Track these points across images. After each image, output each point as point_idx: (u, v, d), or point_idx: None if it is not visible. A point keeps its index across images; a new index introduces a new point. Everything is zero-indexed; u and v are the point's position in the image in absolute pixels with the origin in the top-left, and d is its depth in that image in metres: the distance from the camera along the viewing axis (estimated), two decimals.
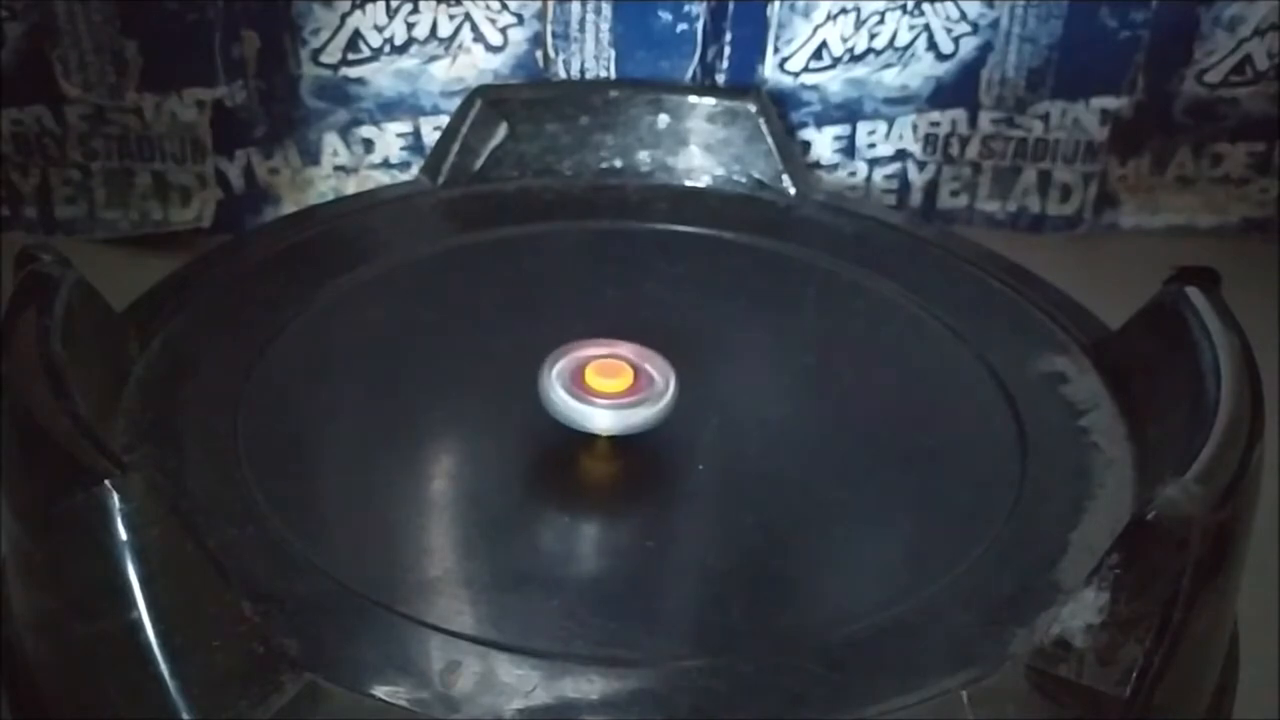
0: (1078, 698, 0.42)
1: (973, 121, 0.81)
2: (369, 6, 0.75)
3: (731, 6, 0.76)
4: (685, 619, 0.47)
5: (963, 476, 0.54)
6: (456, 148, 0.71)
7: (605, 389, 0.52)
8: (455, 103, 0.75)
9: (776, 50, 0.78)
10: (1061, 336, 0.61)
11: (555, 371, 0.52)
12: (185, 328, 0.58)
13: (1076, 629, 0.42)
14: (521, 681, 0.43)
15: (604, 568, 0.49)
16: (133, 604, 0.39)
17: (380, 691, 0.42)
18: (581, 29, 0.76)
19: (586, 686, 0.43)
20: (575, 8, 0.75)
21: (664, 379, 0.53)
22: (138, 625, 0.39)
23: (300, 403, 0.56)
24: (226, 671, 0.40)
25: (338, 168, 0.80)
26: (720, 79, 0.78)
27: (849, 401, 0.58)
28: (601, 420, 0.52)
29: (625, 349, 0.54)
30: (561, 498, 0.53)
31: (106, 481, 0.39)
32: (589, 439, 0.52)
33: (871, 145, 0.81)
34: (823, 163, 0.81)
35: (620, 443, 0.52)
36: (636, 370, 0.53)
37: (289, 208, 0.80)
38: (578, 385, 0.52)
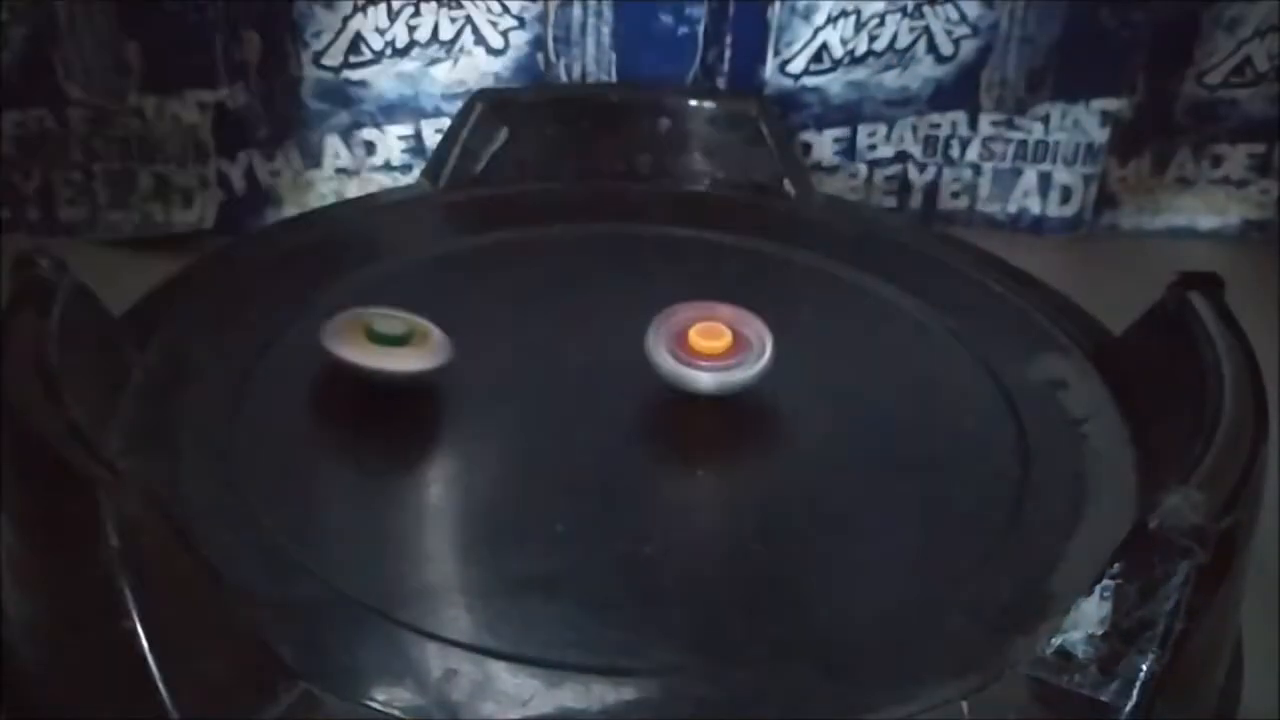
0: (1079, 708, 0.41)
1: (973, 123, 0.81)
2: (371, 9, 0.75)
3: (732, 9, 0.76)
4: (684, 626, 0.47)
5: (963, 482, 0.54)
6: (457, 151, 0.71)
7: (707, 350, 0.54)
8: (456, 105, 0.75)
9: (777, 53, 0.78)
10: (1063, 341, 0.61)
11: (659, 333, 0.55)
12: (184, 332, 0.58)
13: (1078, 638, 0.42)
14: (520, 690, 0.42)
15: (602, 574, 0.49)
16: (126, 612, 0.39)
17: (376, 700, 0.41)
18: (583, 32, 0.76)
19: (585, 695, 0.42)
20: (576, 11, 0.75)
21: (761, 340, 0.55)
22: (131, 633, 0.39)
23: (298, 408, 0.55)
24: (220, 680, 0.40)
25: (339, 170, 0.80)
26: (721, 82, 0.78)
27: (848, 406, 0.58)
28: (704, 382, 0.54)
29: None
30: (561, 502, 0.52)
31: (99, 489, 0.39)
32: (600, 434, 0.53)
33: (872, 147, 0.81)
34: (823, 165, 0.81)
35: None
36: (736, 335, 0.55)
37: (290, 210, 0.79)
38: (681, 348, 0.54)
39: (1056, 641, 0.42)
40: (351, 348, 0.54)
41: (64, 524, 0.41)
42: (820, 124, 0.80)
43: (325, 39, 0.76)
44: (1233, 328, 0.53)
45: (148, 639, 0.39)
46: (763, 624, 0.47)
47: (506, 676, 0.43)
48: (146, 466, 0.50)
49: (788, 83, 0.79)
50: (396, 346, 0.54)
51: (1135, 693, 0.41)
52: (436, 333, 0.55)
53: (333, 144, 0.79)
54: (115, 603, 0.39)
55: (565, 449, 0.54)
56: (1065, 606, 0.43)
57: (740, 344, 0.55)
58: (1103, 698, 0.41)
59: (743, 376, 0.54)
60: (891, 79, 0.79)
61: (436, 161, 0.72)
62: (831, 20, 0.77)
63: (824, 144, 0.81)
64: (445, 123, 0.76)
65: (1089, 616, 0.41)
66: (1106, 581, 0.41)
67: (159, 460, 0.50)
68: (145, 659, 0.39)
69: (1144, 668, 0.41)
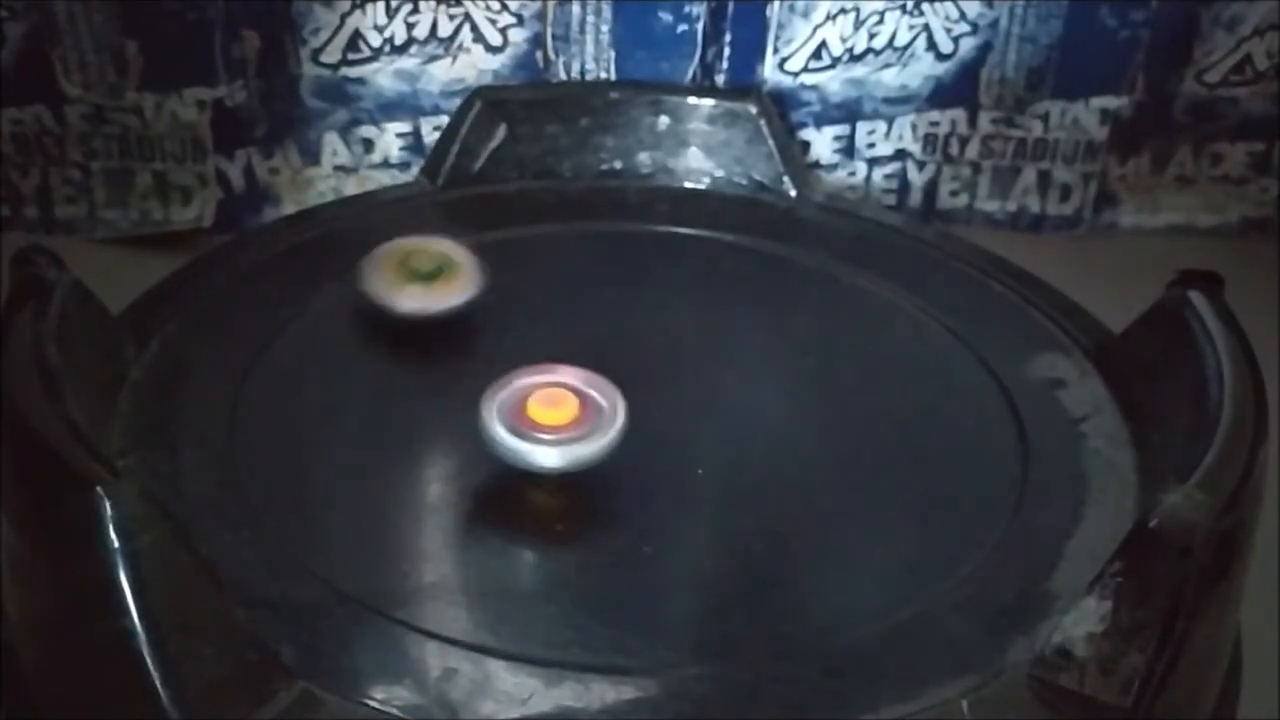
0: (1079, 707, 0.41)
1: (972, 121, 0.81)
2: (369, 6, 0.75)
3: (731, 7, 0.76)
4: (684, 626, 0.47)
5: (963, 482, 0.54)
6: (456, 149, 0.71)
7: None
8: (455, 103, 0.75)
9: (776, 50, 0.77)
10: (1063, 340, 0.61)
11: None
12: (182, 330, 0.58)
13: (1078, 637, 0.42)
14: (519, 689, 0.42)
15: (603, 574, 0.49)
16: (125, 611, 0.39)
17: (376, 699, 0.41)
18: (582, 30, 0.76)
19: (584, 694, 0.42)
20: (575, 8, 0.75)
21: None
22: (130, 632, 0.39)
23: (297, 407, 0.55)
24: (220, 679, 0.40)
25: (338, 167, 0.80)
26: (720, 80, 0.77)
27: (849, 405, 0.58)
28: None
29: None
30: (561, 501, 0.52)
31: (98, 488, 0.39)
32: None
33: (871, 145, 0.81)
34: (822, 162, 0.81)
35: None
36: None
37: (289, 207, 0.79)
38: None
39: (1057, 640, 0.42)
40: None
41: (64, 524, 0.40)
42: (819, 122, 0.80)
43: (324, 36, 0.76)
44: (1232, 326, 0.53)
45: (147, 638, 0.39)
46: (762, 624, 0.47)
47: (506, 675, 0.43)
48: (146, 466, 0.50)
49: (787, 80, 0.78)
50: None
51: (1135, 691, 0.41)
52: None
53: (331, 142, 0.79)
54: (114, 602, 0.39)
55: None
56: (1065, 606, 0.43)
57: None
58: (1103, 696, 0.41)
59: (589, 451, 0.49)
60: (891, 77, 0.79)
61: (435, 159, 0.72)
62: (830, 18, 0.77)
63: (823, 142, 0.81)
64: (444, 120, 0.76)
65: (1089, 616, 0.41)
66: (1107, 580, 0.41)
67: (159, 460, 0.50)
68: (144, 658, 0.39)
69: (1144, 666, 0.41)
